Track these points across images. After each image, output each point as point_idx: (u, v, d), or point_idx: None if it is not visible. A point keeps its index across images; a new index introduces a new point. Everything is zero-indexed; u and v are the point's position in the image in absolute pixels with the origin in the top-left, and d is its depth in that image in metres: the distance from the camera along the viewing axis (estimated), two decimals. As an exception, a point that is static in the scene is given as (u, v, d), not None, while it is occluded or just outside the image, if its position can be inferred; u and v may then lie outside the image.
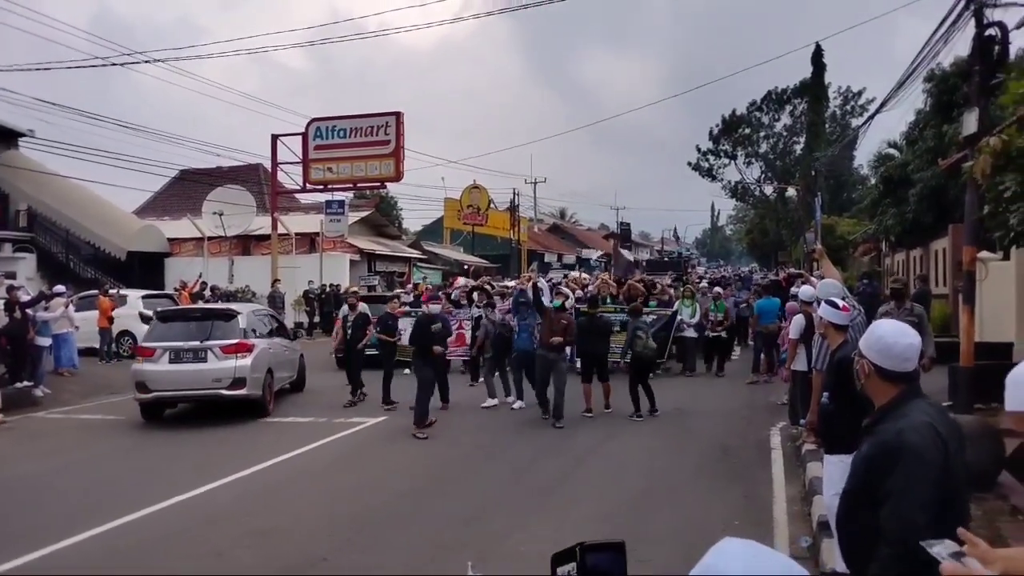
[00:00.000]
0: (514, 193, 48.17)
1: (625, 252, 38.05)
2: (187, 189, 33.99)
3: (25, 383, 13.82)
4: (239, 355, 11.66)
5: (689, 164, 55.87)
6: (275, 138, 27.06)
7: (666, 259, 53.84)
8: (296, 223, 31.09)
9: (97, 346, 18.42)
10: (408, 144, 26.78)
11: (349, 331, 13.03)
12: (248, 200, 29.58)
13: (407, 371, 12.91)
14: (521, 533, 6.41)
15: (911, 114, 25.66)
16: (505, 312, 14.49)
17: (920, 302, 13.69)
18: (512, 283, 17.88)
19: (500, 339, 13.05)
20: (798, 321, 9.12)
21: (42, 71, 20.84)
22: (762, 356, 14.82)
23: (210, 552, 6.14)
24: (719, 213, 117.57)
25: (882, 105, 19.06)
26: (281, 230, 28.14)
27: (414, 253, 38.82)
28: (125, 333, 19.53)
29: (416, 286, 23.17)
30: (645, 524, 6.65)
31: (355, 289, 19.07)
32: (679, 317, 15.58)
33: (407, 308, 15.78)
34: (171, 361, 11.62)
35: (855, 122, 49.53)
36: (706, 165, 55.28)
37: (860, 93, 52.16)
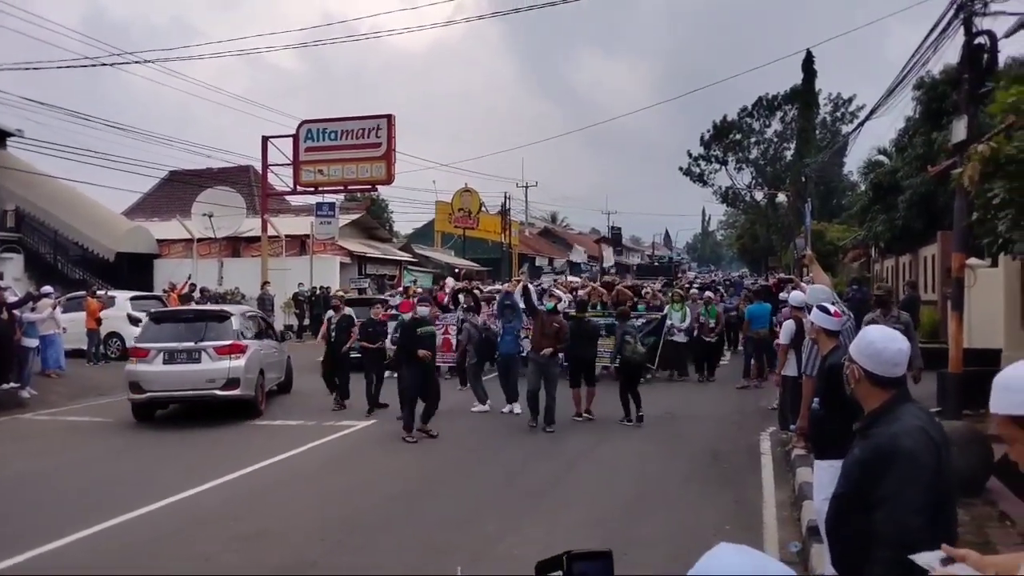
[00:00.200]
0: (505, 197, 48.23)
1: (608, 254, 38.12)
2: (177, 190, 33.84)
3: (12, 385, 13.71)
4: (233, 356, 11.79)
5: (680, 169, 56.12)
6: (266, 140, 27.00)
7: (656, 264, 53.99)
8: (286, 225, 31.00)
9: (85, 348, 18.30)
10: (400, 147, 26.81)
11: (333, 334, 12.88)
12: (238, 202, 29.48)
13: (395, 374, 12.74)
14: (513, 537, 6.40)
15: (901, 121, 25.84)
16: (489, 316, 14.46)
17: (909, 308, 13.78)
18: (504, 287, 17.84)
19: (483, 343, 13.01)
20: (788, 327, 9.14)
21: (32, 71, 20.71)
22: (752, 361, 14.86)
23: (198, 555, 6.09)
24: (710, 218, 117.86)
25: (872, 112, 19.20)
26: (271, 232, 28.07)
27: (405, 256, 38.77)
28: (113, 335, 19.44)
29: (407, 289, 23.14)
30: (636, 528, 6.64)
31: (341, 292, 18.98)
32: (668, 322, 15.51)
33: (393, 312, 15.47)
34: (165, 362, 11.72)
35: (845, 129, 49.86)
36: (697, 170, 55.51)
37: (850, 100, 52.56)
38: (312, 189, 27.76)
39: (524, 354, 13.58)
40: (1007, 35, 10.34)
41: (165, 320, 12.84)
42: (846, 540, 2.81)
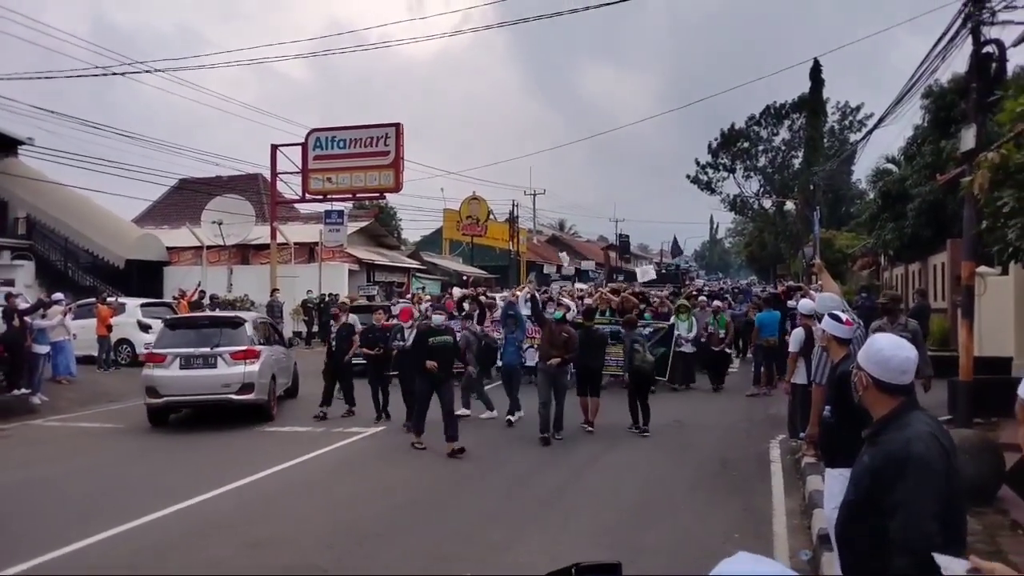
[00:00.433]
0: (513, 204, 48.31)
1: (644, 267, 38.11)
2: (186, 198, 34.06)
3: (22, 391, 13.79)
4: (248, 361, 12.07)
5: (688, 177, 56.13)
6: (275, 148, 27.13)
7: (664, 271, 53.90)
8: (295, 233, 31.13)
9: (95, 354, 18.39)
10: (408, 155, 26.92)
11: (334, 343, 12.79)
12: (247, 209, 29.62)
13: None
14: (520, 545, 6.40)
15: (909, 130, 25.82)
16: (491, 323, 14.37)
17: (919, 316, 13.73)
18: (516, 293, 17.80)
19: (483, 351, 12.95)
20: (798, 334, 9.11)
21: (42, 79, 20.89)
22: (762, 369, 14.82)
23: (208, 561, 6.11)
24: (718, 226, 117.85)
25: (880, 120, 19.16)
26: (280, 239, 28.17)
27: (413, 263, 38.84)
28: (123, 341, 19.54)
29: (415, 295, 23.13)
30: (643, 536, 6.63)
31: (345, 300, 18.96)
32: (676, 332, 15.37)
33: (394, 322, 15.20)
34: (182, 367, 11.99)
35: (853, 137, 49.75)
36: (705, 178, 55.53)
37: (858, 108, 52.47)
38: (321, 197, 27.86)
39: (525, 364, 13.57)
40: (1015, 44, 10.33)
41: (180, 326, 13.09)
42: (856, 547, 2.81)
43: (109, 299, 19.88)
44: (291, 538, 6.67)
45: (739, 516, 7.17)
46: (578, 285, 33.03)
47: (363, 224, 35.33)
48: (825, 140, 51.19)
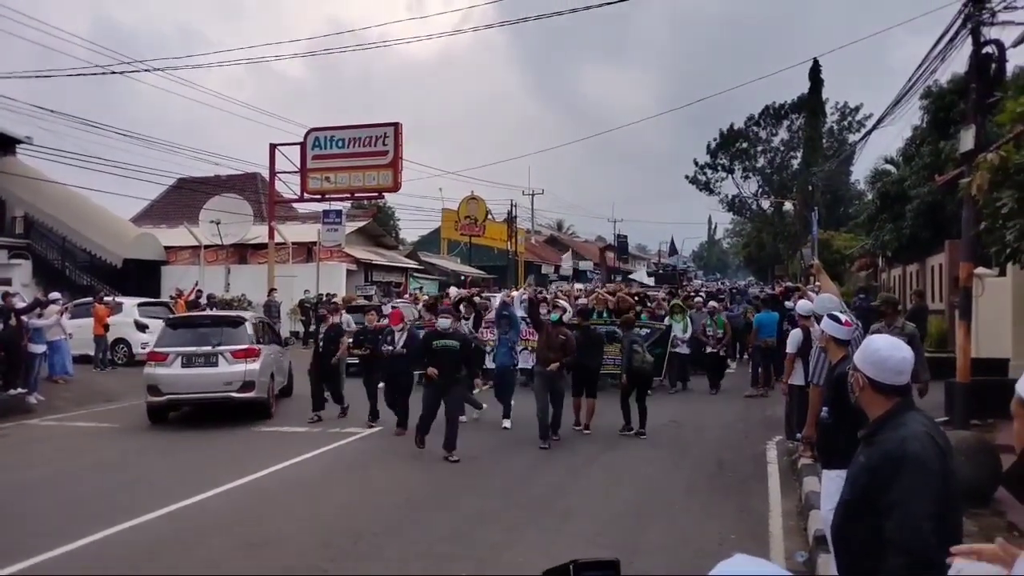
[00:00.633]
0: (512, 204, 48.26)
1: (643, 273, 38.13)
2: (184, 197, 34.01)
3: (19, 390, 13.76)
4: (248, 360, 12.23)
5: (687, 178, 56.20)
6: (273, 147, 27.09)
7: (661, 272, 53.92)
8: (293, 232, 31.10)
9: (92, 353, 18.35)
10: (406, 155, 26.85)
11: (321, 344, 12.66)
12: (245, 209, 29.60)
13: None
14: (518, 545, 6.38)
15: (908, 130, 25.82)
16: (486, 325, 14.22)
17: (917, 318, 13.73)
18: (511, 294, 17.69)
19: (474, 353, 12.79)
20: (795, 335, 9.11)
21: (41, 78, 20.85)
22: (759, 370, 14.80)
23: (204, 561, 6.10)
24: (716, 226, 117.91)
25: (879, 121, 19.17)
26: (278, 239, 28.14)
27: (411, 263, 38.82)
28: (120, 341, 19.52)
29: (413, 295, 23.12)
30: (641, 537, 6.62)
31: (335, 300, 18.86)
32: (672, 333, 15.22)
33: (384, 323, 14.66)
34: (184, 365, 12.15)
35: (852, 138, 49.82)
36: (704, 179, 55.63)
37: (857, 109, 52.56)
38: (319, 196, 27.83)
39: (518, 366, 13.47)
40: (1015, 44, 10.32)
41: (182, 326, 13.22)
42: (853, 548, 2.81)
43: (106, 298, 19.86)
44: (288, 538, 6.65)
45: (736, 517, 7.16)
46: (576, 285, 33.01)
47: (361, 224, 35.30)
48: (824, 141, 51.27)
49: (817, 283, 9.45)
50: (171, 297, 23.28)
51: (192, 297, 22.43)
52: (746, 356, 19.00)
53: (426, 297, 20.49)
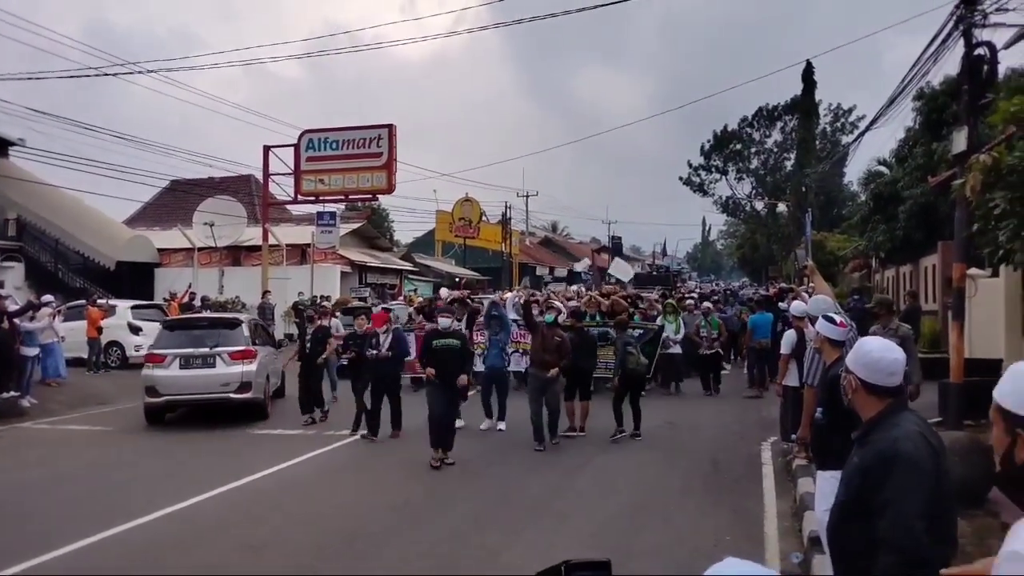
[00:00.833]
0: (506, 206, 48.26)
1: (621, 264, 37.87)
2: (178, 199, 33.94)
3: (12, 393, 13.69)
4: (245, 361, 12.42)
5: (680, 179, 56.27)
6: (267, 149, 27.04)
7: (654, 273, 53.95)
8: (287, 234, 31.04)
9: (85, 356, 18.29)
10: (400, 156, 26.81)
11: (308, 346, 12.59)
12: (239, 211, 29.52)
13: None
14: (514, 547, 6.38)
15: (901, 132, 25.92)
16: (478, 327, 14.08)
17: (910, 319, 13.77)
18: (503, 296, 17.61)
19: None
20: (789, 336, 9.11)
21: (34, 80, 20.77)
22: (755, 371, 14.80)
23: (199, 564, 6.08)
24: (710, 228, 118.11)
25: (872, 122, 19.27)
26: (272, 241, 28.09)
27: (405, 265, 38.80)
28: (114, 343, 19.45)
29: (407, 297, 23.09)
30: (636, 538, 6.62)
31: (323, 303, 18.79)
32: (664, 333, 14.78)
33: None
34: (182, 367, 12.31)
35: (845, 139, 49.99)
36: (697, 180, 55.72)
37: (850, 110, 52.70)
38: (313, 198, 27.79)
39: (509, 367, 13.38)
40: (1007, 46, 10.39)
41: (179, 327, 13.36)
42: (848, 549, 2.81)
43: (99, 301, 19.79)
44: (284, 540, 6.64)
45: (730, 518, 7.16)
46: (572, 287, 33.01)
47: (355, 226, 35.26)
48: (817, 142, 51.39)
49: (811, 284, 9.47)
50: (164, 300, 23.21)
51: (185, 299, 22.38)
52: (740, 357, 19.04)
53: (420, 299, 20.47)
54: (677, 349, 15.21)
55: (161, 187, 34.32)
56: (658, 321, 15.28)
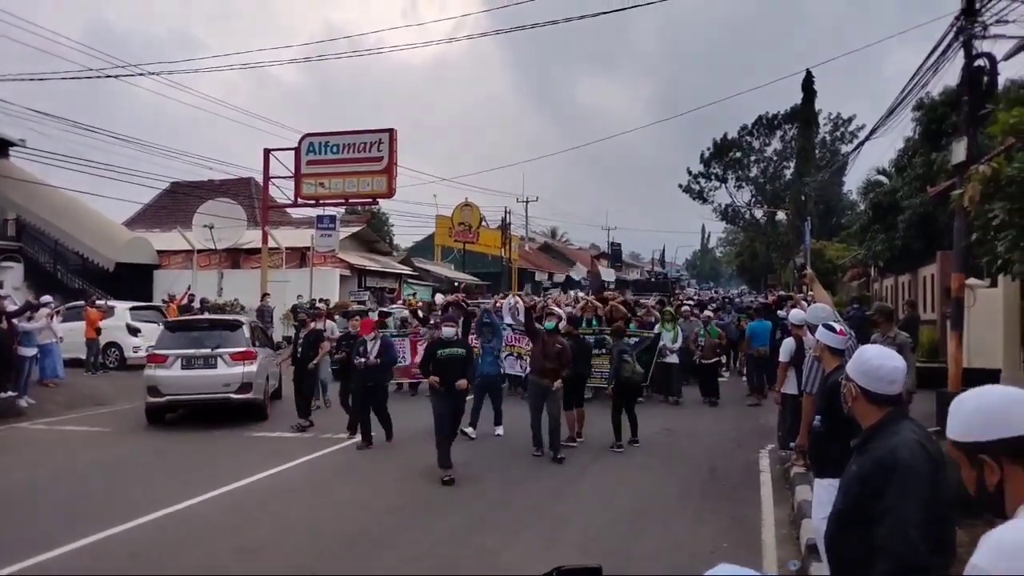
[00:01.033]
0: (506, 211, 48.30)
1: (603, 269, 37.97)
2: (178, 202, 33.92)
3: (9, 394, 13.68)
4: (246, 362, 12.62)
5: (680, 186, 56.38)
6: (267, 152, 27.07)
7: (653, 280, 54.00)
8: (287, 237, 31.04)
9: (83, 357, 18.28)
10: (401, 161, 26.84)
11: (299, 350, 12.56)
12: (239, 213, 29.51)
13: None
14: (512, 551, 6.38)
15: (900, 142, 26.04)
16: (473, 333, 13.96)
17: (909, 328, 13.77)
18: (499, 302, 17.58)
19: None
20: (788, 344, 9.12)
21: (35, 81, 20.81)
22: (753, 378, 14.80)
23: (195, 566, 6.07)
24: (709, 235, 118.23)
25: (872, 132, 19.30)
26: (271, 244, 28.09)
27: (405, 269, 38.78)
28: (112, 344, 19.43)
29: (406, 301, 23.07)
30: (633, 545, 6.62)
31: (319, 305, 18.72)
32: (661, 342, 14.52)
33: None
34: (183, 367, 12.50)
35: (845, 148, 50.10)
36: (697, 188, 55.85)
37: (850, 120, 52.86)
38: (313, 202, 27.81)
39: (504, 372, 13.24)
40: (1006, 57, 10.43)
41: (181, 329, 13.53)
42: (846, 557, 2.81)
43: (98, 302, 19.79)
44: (280, 543, 6.64)
45: (728, 526, 7.16)
46: (570, 293, 33.01)
47: (355, 229, 35.25)
48: (817, 151, 51.51)
49: (810, 292, 9.48)
50: (163, 301, 23.20)
51: (184, 301, 22.36)
52: (737, 365, 19.05)
53: (419, 303, 20.47)
54: (674, 358, 14.80)
55: (161, 189, 34.29)
56: (656, 329, 15.02)
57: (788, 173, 53.66)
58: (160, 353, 12.67)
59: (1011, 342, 13.02)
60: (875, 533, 2.56)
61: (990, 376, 12.21)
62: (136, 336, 19.54)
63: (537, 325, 10.94)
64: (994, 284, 13.53)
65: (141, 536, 6.82)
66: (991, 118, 9.99)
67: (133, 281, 27.71)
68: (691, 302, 22.50)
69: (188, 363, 12.50)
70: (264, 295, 24.99)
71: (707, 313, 17.58)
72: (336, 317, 16.01)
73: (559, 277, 57.97)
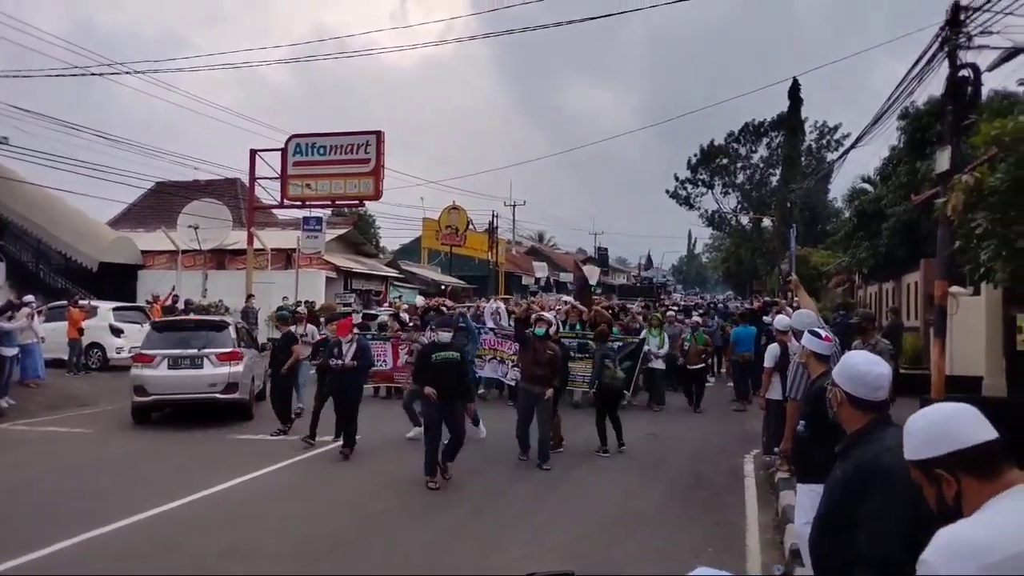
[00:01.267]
0: (493, 215, 48.30)
1: (587, 270, 37.87)
2: (163, 201, 33.65)
3: (-11, 394, 13.54)
4: (232, 362, 12.72)
5: (667, 192, 56.63)
6: (254, 153, 26.94)
7: (638, 285, 54.16)
8: (272, 239, 30.87)
9: (66, 357, 18.10)
10: (388, 163, 26.77)
11: (272, 353, 12.38)
12: (224, 214, 29.35)
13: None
14: (493, 557, 6.36)
15: (885, 150, 26.20)
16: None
17: (892, 335, 13.88)
18: (481, 305, 17.53)
19: None
20: (773, 350, 9.17)
21: (19, 78, 20.61)
22: (739, 384, 14.84)
23: (176, 568, 6.03)
24: (696, 241, 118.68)
25: (857, 140, 19.45)
26: (257, 245, 27.95)
27: (391, 272, 38.69)
28: (95, 345, 19.26)
29: (392, 304, 22.99)
30: (616, 550, 6.62)
31: (299, 308, 18.46)
32: (646, 347, 14.25)
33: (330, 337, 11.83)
34: (170, 367, 12.59)
35: (830, 156, 50.47)
36: (684, 193, 56.14)
37: (836, 128, 53.29)
38: (299, 203, 27.70)
39: (484, 375, 13.08)
40: (990, 68, 10.53)
41: (167, 329, 13.64)
42: (830, 562, 2.82)
43: (81, 302, 19.61)
44: (261, 547, 6.59)
45: (712, 530, 7.18)
46: (565, 297, 33.02)
47: (342, 231, 35.14)
48: (802, 158, 51.92)
49: (795, 299, 9.53)
50: (147, 302, 23.03)
51: (168, 302, 22.20)
52: (722, 371, 19.10)
53: (406, 306, 20.41)
54: (660, 364, 14.68)
55: (146, 189, 34.05)
56: (642, 335, 14.80)
57: (774, 180, 54.04)
58: (147, 353, 12.75)
59: (993, 350, 13.13)
60: (858, 538, 2.57)
61: (972, 383, 12.33)
62: (119, 337, 19.38)
63: (527, 331, 10.69)
64: (977, 292, 13.65)
65: (123, 539, 6.75)
66: (975, 128, 10.09)
67: (117, 281, 27.50)
68: (676, 308, 22.51)
69: (175, 363, 12.57)
70: (249, 296, 24.85)
71: (695, 319, 17.49)
72: (322, 320, 15.83)
73: (539, 274, 57.79)
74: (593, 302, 17.84)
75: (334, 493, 8.60)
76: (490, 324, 14.74)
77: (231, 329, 13.41)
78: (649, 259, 76.79)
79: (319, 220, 29.14)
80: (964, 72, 10.46)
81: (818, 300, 26.78)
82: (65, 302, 19.71)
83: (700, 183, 55.59)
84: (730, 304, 35.32)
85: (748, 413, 13.54)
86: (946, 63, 10.64)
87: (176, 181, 32.04)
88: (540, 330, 10.34)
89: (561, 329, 13.34)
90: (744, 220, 56.48)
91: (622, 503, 8.23)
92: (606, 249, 76.44)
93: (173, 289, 24.40)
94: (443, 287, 36.71)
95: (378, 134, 26.52)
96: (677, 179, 55.85)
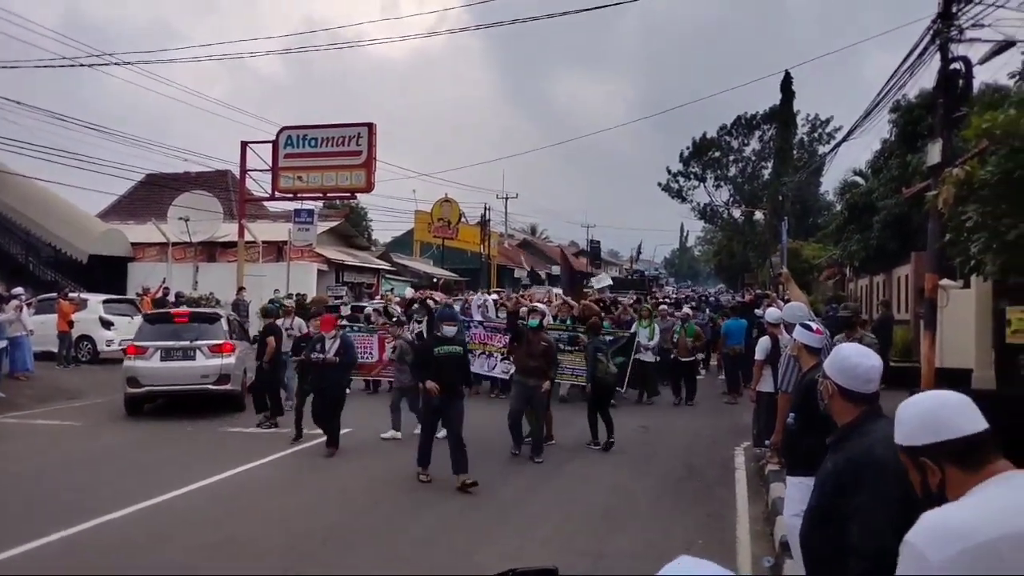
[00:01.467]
0: (485, 208, 48.21)
1: (597, 278, 37.77)
2: (153, 193, 33.48)
3: (-22, 387, 13.46)
4: (224, 354, 12.87)
5: (659, 185, 56.60)
6: (245, 145, 26.78)
7: (630, 278, 54.15)
8: (264, 231, 30.74)
9: (55, 350, 18.01)
10: (380, 155, 26.69)
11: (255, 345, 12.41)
12: (215, 206, 29.21)
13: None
14: (484, 551, 6.36)
15: (877, 143, 26.30)
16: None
17: (882, 328, 13.94)
18: (469, 298, 17.46)
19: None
20: (764, 343, 9.18)
21: (7, 69, 20.45)
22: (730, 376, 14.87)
23: (167, 562, 6.00)
24: (688, 234, 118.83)
25: (849, 134, 19.51)
26: (248, 238, 27.83)
27: (383, 265, 38.60)
28: (85, 338, 19.16)
29: (384, 296, 22.94)
30: (607, 543, 6.63)
31: (287, 302, 18.26)
32: (637, 339, 14.15)
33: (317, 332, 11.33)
34: (163, 359, 12.72)
35: (822, 149, 50.54)
36: (676, 186, 56.08)
37: (828, 121, 53.26)
38: (291, 195, 27.57)
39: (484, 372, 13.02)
40: (982, 61, 10.56)
41: (160, 321, 13.78)
42: (820, 554, 2.83)
43: (71, 294, 19.50)
44: (251, 540, 6.58)
45: (703, 523, 7.20)
46: (555, 290, 33.07)
47: (333, 224, 35.01)
48: (794, 152, 51.93)
49: (786, 293, 9.55)
50: (137, 295, 22.91)
51: (159, 295, 22.10)
52: (713, 364, 19.09)
53: (398, 299, 20.35)
54: (650, 356, 14.53)
55: (136, 181, 33.87)
56: (633, 327, 14.76)
57: (766, 173, 54.06)
58: (140, 344, 12.84)
59: (983, 342, 13.20)
60: (849, 530, 2.58)
61: (962, 376, 12.39)
62: (109, 329, 19.29)
63: (520, 323, 10.69)
64: (967, 285, 13.71)
65: (114, 531, 6.73)
66: (966, 121, 10.12)
67: (107, 274, 27.36)
68: (668, 300, 22.53)
69: (167, 355, 12.70)
70: (240, 289, 24.75)
71: (686, 310, 17.36)
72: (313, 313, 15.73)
73: (520, 274, 57.70)
74: (584, 296, 17.86)
75: (325, 486, 8.59)
76: (477, 317, 14.69)
77: (223, 322, 13.53)
78: (640, 250, 76.83)
79: (310, 212, 29.00)
80: (955, 65, 10.49)
81: (809, 293, 26.87)
82: (55, 294, 19.61)
83: (692, 176, 55.56)
84: (722, 297, 35.39)
85: (739, 406, 13.58)
86: (937, 56, 10.67)
87: (166, 173, 31.91)
88: (534, 322, 10.28)
89: (552, 322, 13.33)
90: (736, 213, 56.51)
91: (614, 495, 8.25)
92: (598, 242, 76.34)
93: (164, 281, 24.28)
94: (435, 280, 36.66)
95: (370, 126, 26.40)
96: (669, 172, 55.84)
